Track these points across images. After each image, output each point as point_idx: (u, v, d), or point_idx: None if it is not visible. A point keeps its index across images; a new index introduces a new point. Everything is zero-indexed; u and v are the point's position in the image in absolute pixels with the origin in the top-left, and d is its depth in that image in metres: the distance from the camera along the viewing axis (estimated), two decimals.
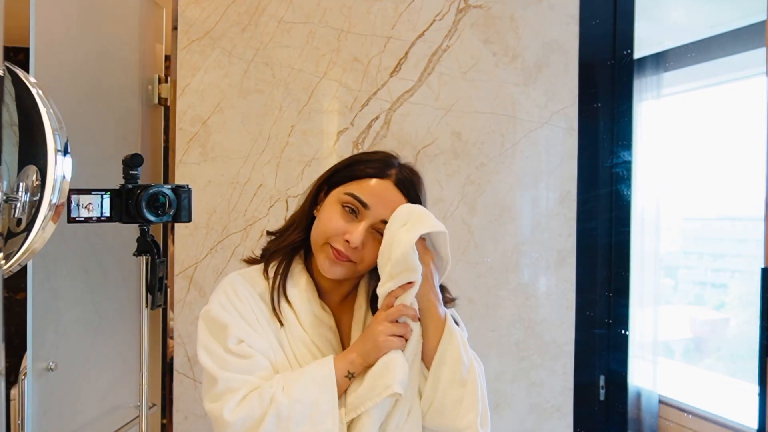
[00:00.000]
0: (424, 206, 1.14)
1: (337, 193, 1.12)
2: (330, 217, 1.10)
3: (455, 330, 1.10)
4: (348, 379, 1.07)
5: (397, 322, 1.07)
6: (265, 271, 1.15)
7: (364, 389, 1.05)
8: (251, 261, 1.22)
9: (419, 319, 1.09)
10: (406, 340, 1.08)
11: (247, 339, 1.09)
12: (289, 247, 1.16)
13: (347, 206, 1.10)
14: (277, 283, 1.13)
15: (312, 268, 1.18)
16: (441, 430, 1.10)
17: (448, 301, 1.20)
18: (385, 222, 1.09)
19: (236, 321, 1.10)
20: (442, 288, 1.19)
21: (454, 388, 1.07)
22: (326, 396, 1.04)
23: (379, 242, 1.09)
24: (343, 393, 1.07)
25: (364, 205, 1.09)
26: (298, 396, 1.02)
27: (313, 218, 1.16)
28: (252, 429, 1.01)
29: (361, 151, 1.98)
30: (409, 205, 1.10)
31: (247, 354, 1.07)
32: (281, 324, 1.12)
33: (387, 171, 1.12)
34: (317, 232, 1.12)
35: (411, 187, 1.13)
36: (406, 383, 1.05)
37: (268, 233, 1.22)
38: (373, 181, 1.11)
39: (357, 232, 1.08)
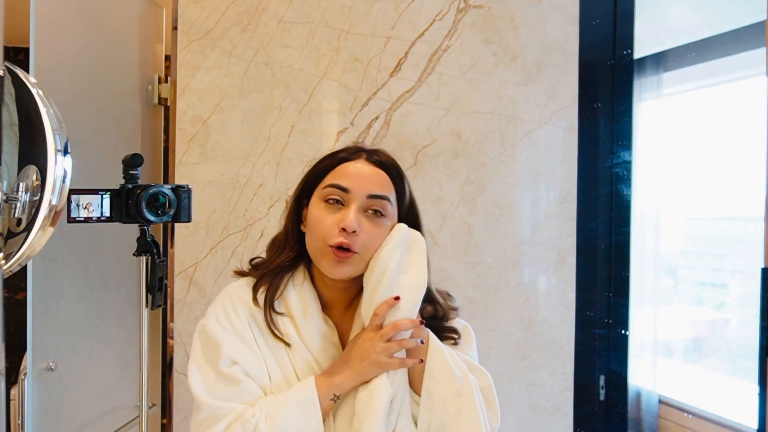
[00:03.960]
0: (402, 174, 1.13)
1: (318, 194, 1.10)
2: (318, 218, 1.07)
3: (440, 345, 1.08)
4: (333, 402, 1.05)
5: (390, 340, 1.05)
6: (255, 299, 1.11)
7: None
8: (241, 273, 1.18)
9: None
10: (406, 356, 1.06)
11: (240, 360, 1.05)
12: (277, 268, 1.12)
13: (330, 199, 1.07)
14: (268, 309, 1.10)
15: (315, 280, 1.15)
16: None
17: (450, 310, 1.18)
18: (372, 197, 1.06)
19: (231, 340, 1.07)
20: (444, 296, 1.18)
21: (450, 402, 1.05)
22: (311, 422, 1.01)
23: (375, 223, 1.06)
24: (328, 415, 1.05)
25: (345, 189, 1.06)
26: (283, 426, 1.00)
27: (303, 235, 1.13)
28: None
29: None
30: (402, 226, 1.09)
31: (237, 379, 1.04)
32: (288, 345, 1.09)
33: (356, 153, 1.11)
34: (312, 239, 1.08)
35: (385, 159, 1.12)
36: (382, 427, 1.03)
37: (251, 262, 1.19)
38: (346, 164, 1.10)
39: (349, 216, 1.04)
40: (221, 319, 1.09)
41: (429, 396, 1.05)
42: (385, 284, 1.04)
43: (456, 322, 1.20)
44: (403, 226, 1.09)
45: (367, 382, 1.05)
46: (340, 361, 1.07)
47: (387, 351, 1.04)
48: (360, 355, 1.05)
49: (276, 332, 1.09)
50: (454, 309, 1.19)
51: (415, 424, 1.07)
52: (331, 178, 1.09)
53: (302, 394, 1.03)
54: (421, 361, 1.06)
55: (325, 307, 1.14)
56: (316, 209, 1.08)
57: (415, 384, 1.08)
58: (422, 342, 1.06)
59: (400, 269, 1.06)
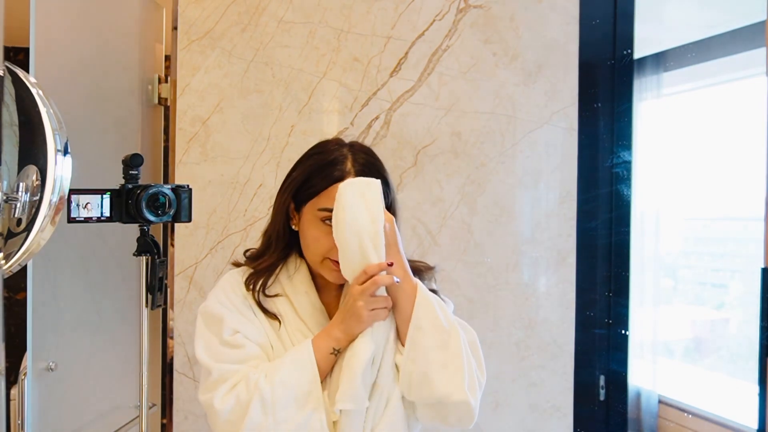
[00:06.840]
0: (387, 179, 1.16)
1: (312, 211, 1.14)
2: (317, 237, 1.13)
3: (429, 295, 1.11)
4: (334, 355, 1.10)
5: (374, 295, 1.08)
6: (248, 288, 1.18)
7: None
8: (237, 265, 1.24)
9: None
10: (389, 310, 1.10)
11: (241, 329, 1.12)
12: (270, 267, 1.18)
13: (327, 221, 1.12)
14: (258, 293, 1.17)
15: (310, 266, 1.21)
16: (429, 401, 1.08)
17: (425, 270, 1.23)
18: None
19: (231, 313, 1.14)
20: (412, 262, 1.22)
21: (435, 353, 1.07)
22: (307, 377, 1.07)
23: None
24: (329, 370, 1.10)
25: None
26: (281, 380, 1.05)
27: (292, 231, 1.19)
28: (239, 415, 1.05)
29: None
30: (353, 180, 1.10)
31: (240, 344, 1.10)
32: (278, 321, 1.16)
33: (345, 169, 1.13)
34: (311, 252, 1.15)
35: (373, 171, 1.15)
36: (359, 395, 1.06)
37: (245, 254, 1.24)
38: (338, 185, 1.10)
39: None
40: (221, 299, 1.16)
41: (413, 346, 1.08)
42: (352, 243, 1.07)
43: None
44: (347, 182, 1.09)
45: (353, 341, 1.09)
46: (335, 318, 1.12)
47: (370, 305, 1.08)
48: (347, 310, 1.09)
49: (267, 309, 1.16)
50: (431, 268, 1.25)
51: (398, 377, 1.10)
52: (325, 201, 1.11)
53: (299, 352, 1.09)
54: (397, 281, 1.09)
55: (319, 289, 1.21)
56: (312, 228, 1.13)
57: (401, 333, 1.11)
58: (397, 280, 1.09)
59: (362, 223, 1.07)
